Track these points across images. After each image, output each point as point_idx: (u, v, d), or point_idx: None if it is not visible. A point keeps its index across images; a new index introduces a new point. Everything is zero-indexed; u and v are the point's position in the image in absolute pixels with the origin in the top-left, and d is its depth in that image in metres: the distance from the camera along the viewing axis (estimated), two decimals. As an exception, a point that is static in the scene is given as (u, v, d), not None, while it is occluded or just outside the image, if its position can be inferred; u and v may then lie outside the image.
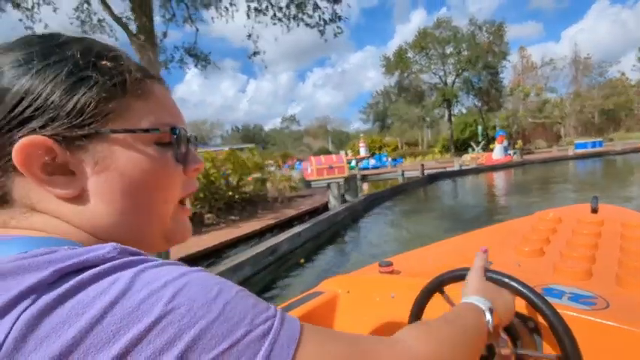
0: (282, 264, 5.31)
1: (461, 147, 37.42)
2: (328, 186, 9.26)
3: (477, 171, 21.01)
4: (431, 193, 14.54)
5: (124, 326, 0.24)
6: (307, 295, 1.21)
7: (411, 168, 22.78)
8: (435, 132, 49.82)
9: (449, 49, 39.84)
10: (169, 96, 0.41)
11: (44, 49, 0.33)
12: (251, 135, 66.07)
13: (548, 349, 0.77)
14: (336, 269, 4.98)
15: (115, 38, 9.99)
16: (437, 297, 0.82)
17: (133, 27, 9.28)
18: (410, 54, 40.71)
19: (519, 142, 33.77)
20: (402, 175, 20.95)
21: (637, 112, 42.36)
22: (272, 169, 10.27)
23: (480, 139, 32.08)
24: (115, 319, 0.24)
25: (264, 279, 4.81)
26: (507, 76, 45.34)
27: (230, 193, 7.97)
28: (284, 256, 5.46)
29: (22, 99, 0.31)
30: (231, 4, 12.52)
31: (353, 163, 29.41)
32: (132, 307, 0.24)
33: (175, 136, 0.38)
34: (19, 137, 0.30)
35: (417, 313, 0.84)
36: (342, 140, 60.66)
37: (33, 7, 9.78)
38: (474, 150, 29.11)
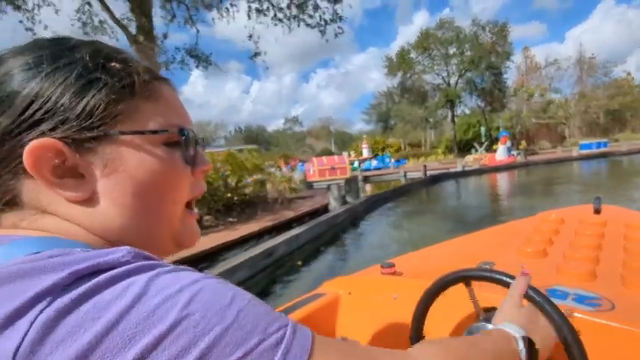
0: (278, 267, 5.23)
1: (464, 148, 37.19)
2: (328, 187, 9.17)
3: (480, 172, 20.83)
4: (433, 194, 14.42)
5: (140, 332, 0.24)
6: (309, 296, 1.20)
7: (413, 169, 22.66)
8: (438, 133, 49.59)
9: (452, 50, 39.66)
10: (177, 97, 0.41)
11: (54, 53, 0.33)
12: (254, 136, 66.13)
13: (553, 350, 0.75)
14: (334, 273, 4.89)
15: (116, 39, 9.97)
16: (440, 299, 0.81)
17: (133, 28, 9.28)
18: (412, 55, 40.56)
19: (523, 143, 33.49)
20: (405, 176, 20.83)
21: (643, 112, 41.97)
22: (272, 170, 10.16)
23: (483, 139, 31.85)
24: (130, 324, 0.24)
25: (260, 282, 4.73)
26: (511, 77, 45.11)
27: (229, 195, 7.91)
28: (281, 259, 5.38)
29: (32, 102, 0.31)
30: (231, 5, 12.50)
31: (356, 164, 29.35)
32: (147, 312, 0.24)
33: (184, 137, 0.38)
34: (29, 140, 0.31)
35: (420, 316, 0.83)
36: (345, 141, 60.53)
37: (33, 9, 9.79)
38: (477, 151, 28.89)
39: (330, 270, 5.14)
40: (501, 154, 24.65)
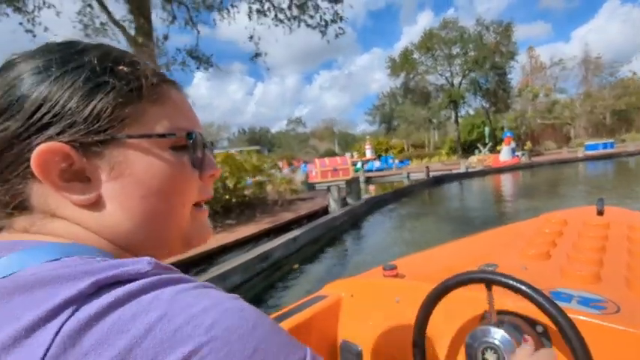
0: (274, 271, 5.13)
1: (468, 149, 36.94)
2: (328, 189, 9.07)
3: (484, 173, 20.63)
4: (436, 196, 14.27)
5: (162, 351, 0.24)
6: (310, 299, 1.20)
7: (416, 170, 22.51)
8: (441, 134, 49.34)
9: (455, 50, 39.45)
10: (186, 100, 0.40)
11: (63, 56, 0.33)
12: (257, 137, 66.23)
13: (558, 353, 0.76)
14: (331, 277, 4.79)
15: (117, 41, 9.95)
16: (443, 302, 0.81)
17: (133, 30, 9.26)
18: (416, 55, 40.40)
19: (528, 144, 33.20)
20: (408, 177, 20.69)
21: (650, 112, 41.43)
22: (272, 171, 10.08)
23: (487, 140, 31.61)
24: (154, 343, 0.24)
25: (256, 287, 4.64)
26: (516, 77, 44.78)
27: (227, 197, 7.84)
28: (277, 263, 5.29)
29: (40, 106, 0.31)
30: (232, 6, 12.47)
31: (359, 165, 29.22)
32: (171, 331, 0.24)
33: (191, 141, 0.38)
34: (37, 144, 0.31)
35: (423, 319, 0.82)
36: (349, 142, 60.40)
37: (33, 11, 9.80)
38: (480, 152, 28.66)
39: (327, 274, 5.04)
40: (505, 155, 24.42)
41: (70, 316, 0.24)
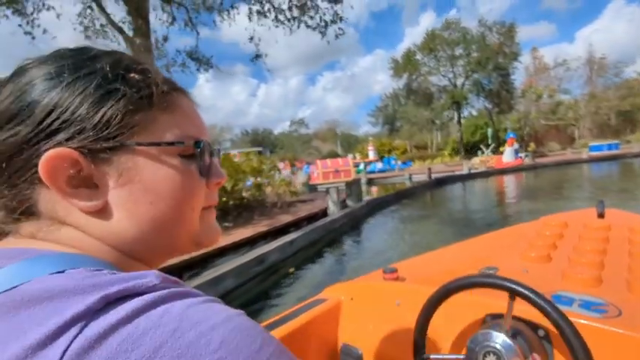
0: (270, 275, 5.04)
1: (471, 150, 36.70)
2: (327, 191, 8.97)
3: (487, 174, 20.46)
4: (437, 197, 14.13)
5: None
6: (310, 302, 1.19)
7: (419, 171, 22.36)
8: (444, 135, 49.06)
9: (458, 51, 39.25)
10: (194, 108, 0.41)
11: (75, 63, 0.34)
12: (260, 139, 66.25)
13: (560, 357, 0.76)
14: (328, 282, 4.69)
15: (118, 43, 9.93)
16: (444, 305, 0.81)
17: (132, 32, 9.22)
18: (418, 56, 40.25)
19: (532, 145, 32.93)
20: (410, 178, 20.55)
21: (655, 113, 40.94)
22: (271, 172, 9.99)
23: (490, 141, 31.37)
24: None
25: (250, 292, 4.55)
26: (519, 78, 44.47)
27: (224, 199, 7.76)
28: (273, 267, 5.20)
29: (50, 112, 0.31)
30: (232, 7, 12.43)
31: (361, 166, 29.11)
32: (180, 348, 0.24)
33: (199, 150, 0.38)
34: (46, 150, 0.31)
35: (423, 322, 0.82)
36: (351, 143, 60.27)
37: (32, 13, 9.79)
38: (483, 153, 28.44)
39: (324, 279, 4.94)
40: (508, 156, 24.22)
41: (78, 333, 0.23)
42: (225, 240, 5.97)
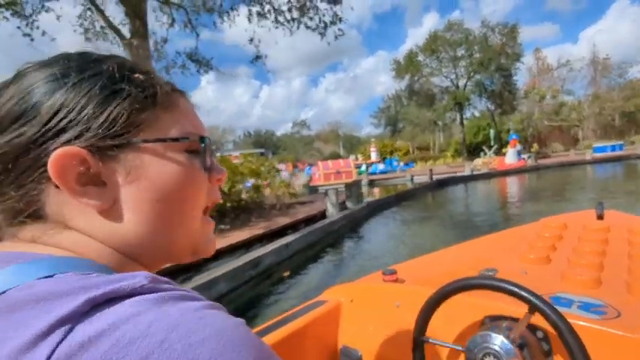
0: (264, 279, 4.96)
1: (474, 151, 36.48)
2: (326, 193, 8.89)
3: (489, 176, 20.29)
4: (439, 199, 14.01)
5: None
6: (310, 304, 1.20)
7: (421, 173, 22.24)
8: (447, 136, 48.89)
9: (460, 52, 39.11)
10: (193, 109, 0.42)
11: (80, 65, 0.34)
12: (262, 140, 66.34)
13: (559, 359, 0.76)
14: (324, 286, 4.61)
15: (118, 45, 9.93)
16: (443, 307, 0.81)
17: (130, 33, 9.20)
18: (420, 57, 40.14)
19: (535, 146, 32.69)
20: (411, 180, 20.44)
21: (660, 113, 40.52)
22: (269, 174, 9.92)
23: (492, 143, 31.18)
24: None
25: (243, 296, 4.47)
26: (522, 79, 44.28)
27: (221, 201, 7.69)
28: (268, 270, 5.12)
29: (57, 112, 0.32)
30: (232, 9, 12.41)
31: (363, 167, 29.00)
32: None
33: (204, 145, 0.39)
34: (54, 149, 0.31)
35: (422, 324, 0.83)
36: (354, 145, 60.25)
37: (31, 15, 9.79)
38: (485, 154, 28.25)
39: (321, 283, 4.86)
40: (511, 157, 24.02)
41: (62, 339, 0.23)
42: (220, 243, 5.90)
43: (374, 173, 28.12)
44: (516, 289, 0.70)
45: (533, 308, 0.70)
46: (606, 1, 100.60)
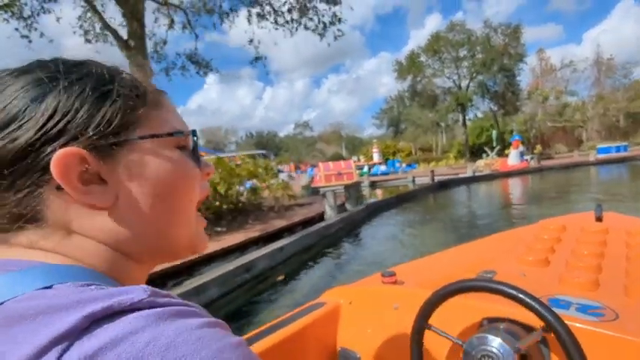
0: (257, 284, 4.87)
1: (477, 152, 36.25)
2: (324, 195, 8.80)
3: (491, 177, 20.11)
4: (440, 201, 13.88)
5: None
6: (309, 306, 1.20)
7: (422, 174, 22.10)
8: (450, 137, 48.68)
9: (463, 53, 38.94)
10: (175, 108, 0.43)
11: (65, 69, 0.35)
12: (265, 141, 66.38)
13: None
14: (320, 291, 4.51)
15: (118, 46, 9.90)
16: (441, 309, 0.82)
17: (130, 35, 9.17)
18: (423, 58, 40.00)
19: (538, 147, 32.45)
20: (413, 181, 20.30)
21: (665, 114, 40.10)
22: (267, 175, 9.84)
23: (495, 144, 30.96)
24: None
25: (235, 301, 4.39)
26: (525, 79, 43.97)
27: (217, 203, 7.62)
28: (261, 275, 5.03)
29: (52, 115, 0.32)
30: (232, 10, 12.38)
31: (365, 169, 28.88)
32: None
33: (196, 138, 0.41)
34: (52, 151, 0.31)
35: (421, 325, 0.83)
36: (356, 146, 60.15)
37: (30, 17, 9.80)
38: (488, 155, 28.05)
39: (317, 287, 4.77)
40: (513, 158, 23.82)
41: (60, 356, 0.23)
42: (213, 246, 5.82)
43: (376, 174, 27.99)
44: (511, 291, 0.70)
45: (530, 310, 0.70)
46: (610, 1, 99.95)
